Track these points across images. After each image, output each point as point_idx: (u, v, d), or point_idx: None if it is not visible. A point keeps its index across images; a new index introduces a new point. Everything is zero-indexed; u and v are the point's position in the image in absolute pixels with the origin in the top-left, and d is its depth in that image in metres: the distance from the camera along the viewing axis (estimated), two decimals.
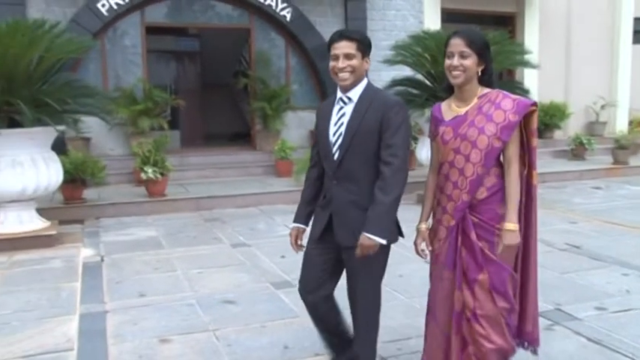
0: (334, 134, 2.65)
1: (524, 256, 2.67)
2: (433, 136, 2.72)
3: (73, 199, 7.46)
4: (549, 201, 8.22)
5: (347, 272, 2.76)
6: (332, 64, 2.60)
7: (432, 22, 11.23)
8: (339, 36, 2.61)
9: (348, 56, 2.56)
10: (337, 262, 2.76)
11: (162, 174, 7.75)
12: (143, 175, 7.63)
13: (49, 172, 5.97)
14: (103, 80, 9.77)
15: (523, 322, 2.71)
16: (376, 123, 2.56)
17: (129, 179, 9.09)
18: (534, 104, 2.53)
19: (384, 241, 2.53)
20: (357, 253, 2.54)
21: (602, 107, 13.45)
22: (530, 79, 11.78)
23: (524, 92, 7.87)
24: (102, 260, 5.47)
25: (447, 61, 2.54)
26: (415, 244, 2.77)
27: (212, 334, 3.67)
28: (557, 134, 12.99)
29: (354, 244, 2.56)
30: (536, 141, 2.59)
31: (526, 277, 2.69)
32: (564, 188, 9.41)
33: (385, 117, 2.55)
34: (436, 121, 2.69)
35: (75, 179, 7.31)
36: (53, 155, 6.18)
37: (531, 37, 12.42)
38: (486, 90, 2.57)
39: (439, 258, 2.67)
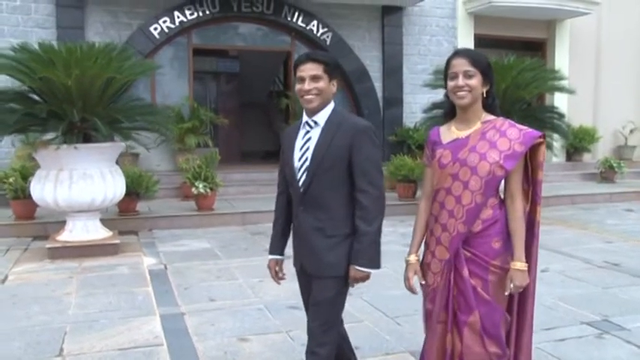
0: (299, 159, 2.54)
1: (522, 299, 2.48)
2: (429, 161, 2.55)
3: (128, 211, 7.87)
4: (582, 221, 8.47)
5: (311, 302, 2.61)
6: (298, 86, 2.50)
7: (466, 47, 11.58)
8: (305, 58, 2.51)
9: (314, 78, 2.46)
10: None
11: (211, 189, 8.15)
12: (194, 190, 8.04)
13: (115, 185, 6.40)
14: (152, 99, 10.26)
15: None
16: (345, 147, 2.45)
17: (175, 194, 9.52)
18: (542, 136, 2.39)
19: (373, 271, 2.48)
20: (350, 284, 2.51)
21: (631, 131, 13.66)
22: (559, 103, 12.02)
23: (560, 117, 8.18)
24: (165, 268, 5.84)
25: (451, 83, 2.40)
26: (406, 277, 2.58)
27: (286, 335, 3.99)
28: (586, 157, 13.22)
29: (319, 273, 2.51)
30: (542, 174, 2.42)
31: (522, 323, 2.50)
32: (596, 210, 9.63)
33: (355, 141, 2.44)
34: (433, 145, 2.53)
35: (130, 192, 7.72)
36: (118, 169, 6.61)
37: (561, 62, 12.72)
38: (491, 116, 2.44)
39: (435, 295, 2.49)
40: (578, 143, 12.60)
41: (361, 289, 4.80)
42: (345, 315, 4.25)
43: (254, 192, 9.89)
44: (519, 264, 2.34)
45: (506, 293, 2.36)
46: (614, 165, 11.76)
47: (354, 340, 3.82)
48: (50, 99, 5.98)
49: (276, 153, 13.11)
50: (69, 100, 5.85)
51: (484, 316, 2.37)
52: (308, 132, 2.55)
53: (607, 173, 11.88)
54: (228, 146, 12.57)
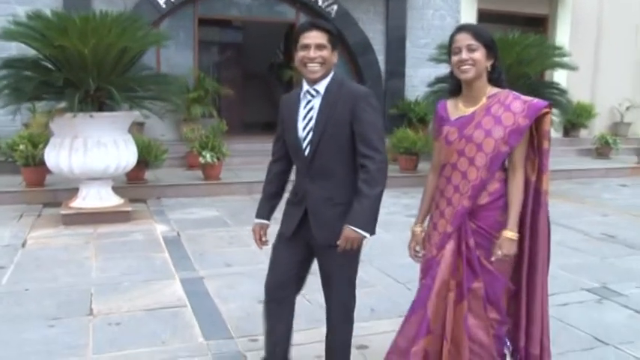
0: (304, 129, 2.53)
1: (530, 269, 2.52)
2: (436, 136, 2.58)
3: (137, 180, 8.01)
4: (580, 195, 8.72)
5: (323, 271, 2.68)
6: (301, 54, 2.47)
7: (469, 21, 11.64)
8: (310, 25, 2.48)
9: (319, 47, 2.44)
10: (305, 263, 2.73)
11: (218, 158, 8.29)
12: (201, 159, 8.17)
13: (128, 153, 6.53)
14: (157, 68, 10.28)
15: (529, 343, 2.55)
16: (347, 115, 2.45)
17: (180, 163, 9.64)
18: (547, 106, 2.38)
19: (368, 235, 2.46)
20: (339, 246, 2.46)
21: (627, 108, 13.85)
22: (559, 79, 12.15)
23: (562, 92, 8.34)
24: (178, 235, 6.01)
25: (455, 58, 2.40)
26: (410, 247, 2.68)
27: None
28: (583, 133, 13.42)
29: (333, 242, 2.50)
30: (547, 143, 2.42)
31: (532, 293, 2.53)
32: (592, 184, 9.88)
33: (356, 108, 2.45)
34: (441, 120, 2.55)
35: (139, 161, 7.82)
36: (130, 138, 6.73)
37: (562, 38, 12.81)
38: (496, 90, 2.44)
39: (428, 266, 2.56)
40: (575, 119, 12.75)
41: (371, 257, 5.02)
42: (358, 281, 4.46)
43: (258, 162, 9.89)
44: (510, 233, 2.38)
45: (492, 259, 2.40)
46: (610, 141, 11.98)
47: (370, 302, 4.08)
48: (65, 67, 6.06)
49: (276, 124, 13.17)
50: (84, 69, 5.94)
51: (487, 284, 2.44)
52: (310, 101, 2.53)
53: (603, 149, 12.11)
54: (231, 117, 12.64)
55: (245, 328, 3.66)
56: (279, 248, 2.72)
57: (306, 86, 2.54)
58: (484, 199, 2.43)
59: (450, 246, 2.48)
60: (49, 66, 6.31)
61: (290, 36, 12.17)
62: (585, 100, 13.22)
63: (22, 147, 7.41)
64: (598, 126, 13.63)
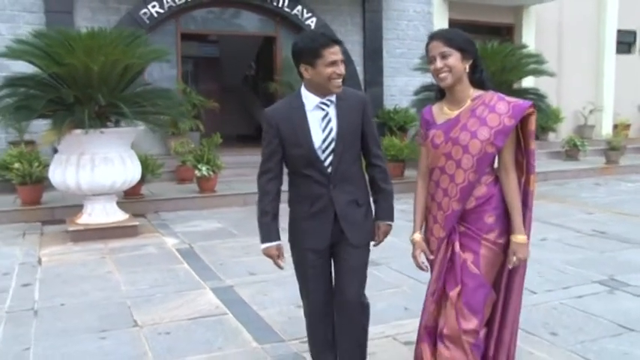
0: (324, 141, 2.59)
1: (510, 273, 2.53)
2: (423, 140, 2.59)
3: (134, 195, 8.03)
4: (560, 196, 9.16)
5: (345, 269, 2.74)
6: (330, 70, 2.50)
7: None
8: (333, 41, 2.53)
9: (343, 61, 2.55)
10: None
11: (213, 171, 8.39)
12: (197, 172, 8.26)
13: (133, 168, 6.59)
14: None
15: (497, 350, 2.57)
16: (359, 118, 2.63)
17: (170, 177, 9.64)
18: (532, 106, 2.40)
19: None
20: (378, 241, 2.78)
21: (591, 112, 14.57)
22: (528, 85, 12.73)
23: (541, 97, 8.79)
24: (191, 247, 6.09)
25: (431, 67, 2.43)
26: (414, 256, 2.64)
27: None
28: (551, 136, 14.04)
29: (364, 241, 2.72)
30: (534, 144, 2.45)
31: (509, 297, 2.55)
32: (568, 185, 10.38)
33: (365, 111, 2.66)
34: (427, 125, 2.56)
35: None
36: (133, 153, 6.79)
37: (528, 46, 13.40)
38: (480, 92, 2.45)
39: (438, 271, 2.57)
40: (545, 123, 13.34)
41: (387, 260, 5.24)
42: (383, 283, 4.65)
43: (249, 174, 10.09)
44: (520, 237, 2.39)
45: (510, 266, 2.43)
46: (578, 144, 12.59)
47: (400, 302, 4.29)
48: (71, 85, 6.08)
49: (252, 137, 13.30)
50: (90, 86, 5.98)
51: (470, 291, 2.43)
52: (326, 113, 2.60)
53: (572, 151, 12.70)
54: (213, 129, 12.69)
55: (292, 332, 3.80)
56: (314, 266, 2.74)
57: (317, 98, 2.60)
58: (471, 204, 2.45)
59: (442, 253, 2.52)
60: (52, 83, 6.31)
61: (267, 49, 12.38)
62: (552, 105, 13.82)
63: (17, 165, 7.34)
64: (565, 129, 14.28)
